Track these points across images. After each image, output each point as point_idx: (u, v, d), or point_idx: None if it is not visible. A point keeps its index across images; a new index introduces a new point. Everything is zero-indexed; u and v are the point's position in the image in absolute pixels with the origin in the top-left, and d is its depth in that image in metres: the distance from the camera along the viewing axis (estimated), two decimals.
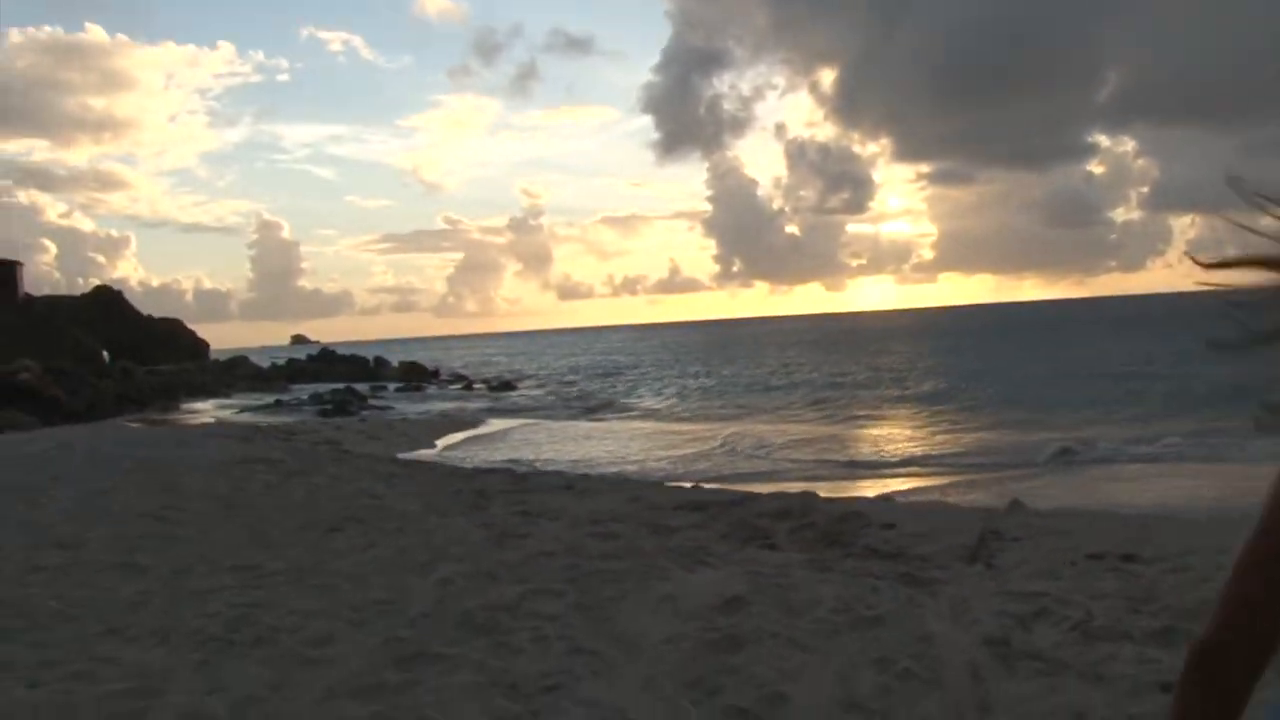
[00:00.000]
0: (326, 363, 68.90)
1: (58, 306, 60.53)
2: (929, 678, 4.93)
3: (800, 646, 5.44)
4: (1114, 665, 4.97)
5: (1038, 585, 6.62)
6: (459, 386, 55.13)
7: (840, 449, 22.34)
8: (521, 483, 12.95)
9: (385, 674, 5.19)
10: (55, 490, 11.69)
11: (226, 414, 37.63)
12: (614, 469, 18.60)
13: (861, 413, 31.20)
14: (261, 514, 10.13)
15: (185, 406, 42.44)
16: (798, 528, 9.84)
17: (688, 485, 14.18)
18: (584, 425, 31.74)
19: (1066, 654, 5.20)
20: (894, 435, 25.53)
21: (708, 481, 15.80)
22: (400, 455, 19.10)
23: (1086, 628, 5.54)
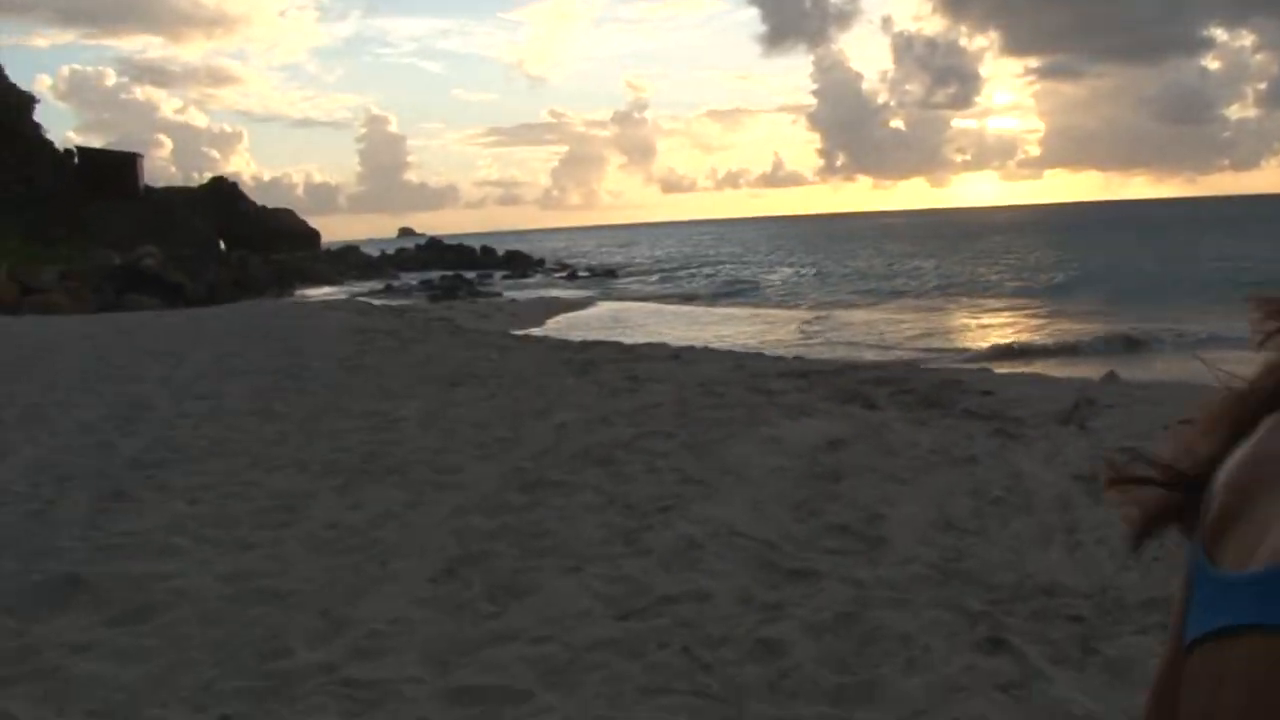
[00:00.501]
0: (434, 252, 69.80)
1: (176, 197, 61.97)
2: (1019, 504, 5.22)
3: (898, 479, 5.76)
4: None
5: (1129, 444, 6.82)
6: (563, 274, 55.53)
7: (943, 334, 22.38)
8: (629, 353, 13.30)
9: (509, 496, 5.62)
10: (192, 355, 12.37)
11: (340, 297, 38.54)
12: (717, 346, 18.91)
13: (965, 301, 30.94)
14: (384, 371, 10.68)
15: (299, 293, 43.44)
16: (897, 392, 10.07)
17: (789, 357, 14.44)
18: (687, 309, 31.99)
19: None
20: (996, 323, 25.43)
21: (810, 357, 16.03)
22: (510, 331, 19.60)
23: None
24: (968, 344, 20.86)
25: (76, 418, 8.29)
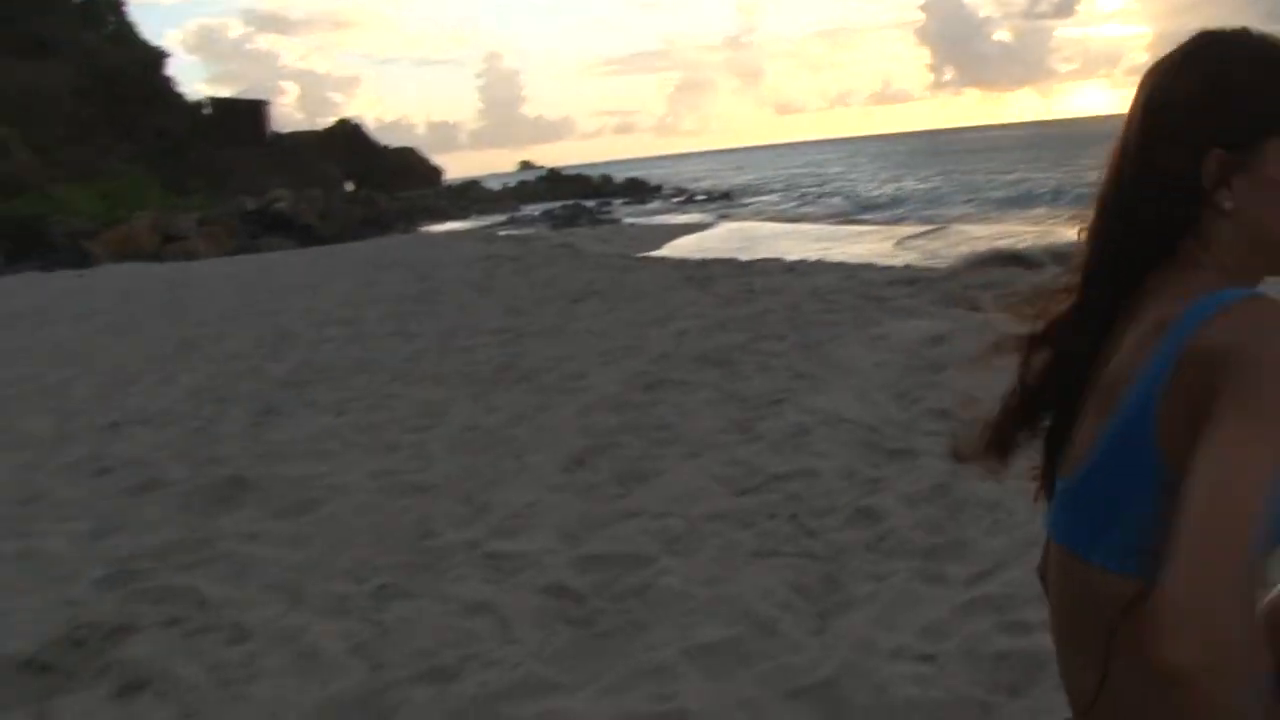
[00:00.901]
0: (553, 183, 70.47)
1: (302, 141, 63.39)
2: None
3: (999, 369, 5.95)
4: None
5: None
6: (681, 199, 55.62)
7: (1058, 242, 22.01)
8: (746, 268, 13.55)
9: (632, 396, 5.97)
10: (329, 286, 12.97)
11: (465, 230, 39.22)
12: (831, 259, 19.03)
13: (1080, 211, 30.08)
14: (510, 292, 11.14)
15: (425, 228, 44.31)
16: (1003, 294, 10.19)
17: (900, 266, 14.53)
18: (803, 227, 31.93)
19: None
20: None
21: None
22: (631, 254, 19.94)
23: None
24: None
25: (226, 348, 8.86)
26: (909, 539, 3.62)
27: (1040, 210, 30.42)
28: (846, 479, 4.27)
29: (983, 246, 21.56)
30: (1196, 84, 1.46)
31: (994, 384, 4.52)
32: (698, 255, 17.85)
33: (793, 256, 17.77)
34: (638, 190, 64.97)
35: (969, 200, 35.79)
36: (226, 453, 5.33)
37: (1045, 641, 1.66)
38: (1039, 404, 1.59)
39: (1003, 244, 21.61)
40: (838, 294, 9.86)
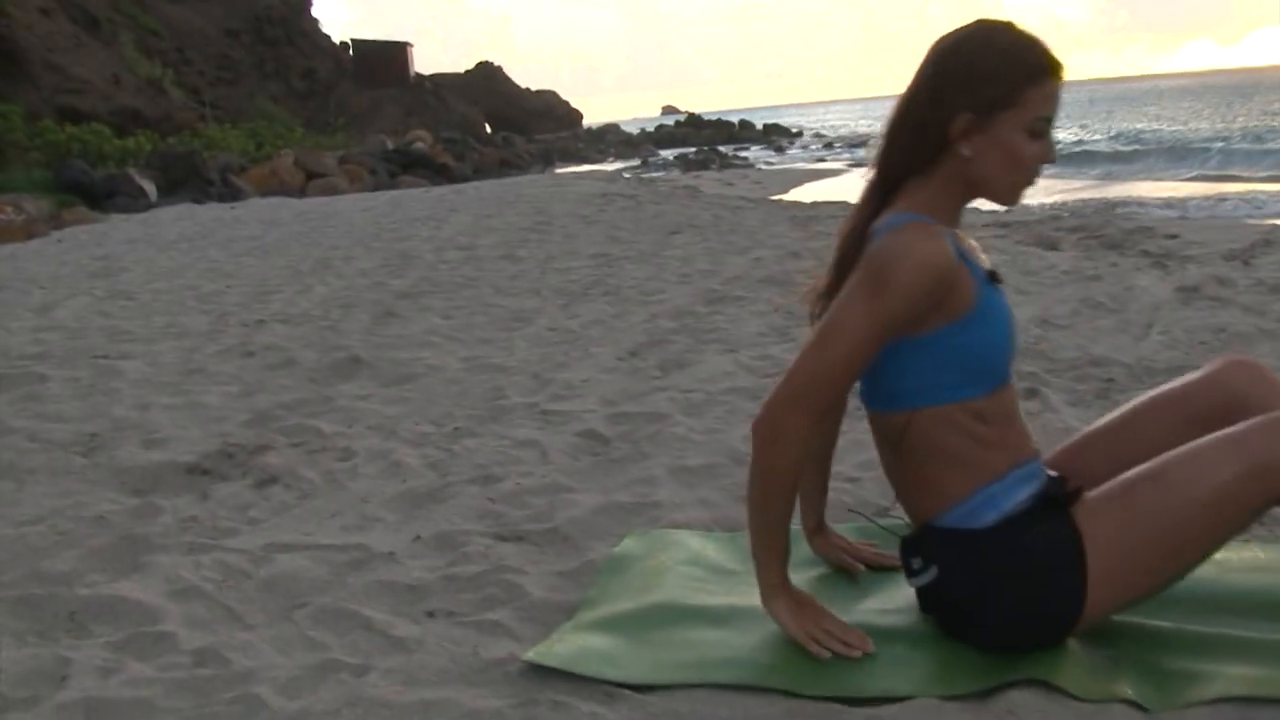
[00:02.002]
0: (693, 128, 71.25)
1: (443, 83, 65.11)
2: (1115, 308, 6.16)
3: (1022, 291, 6.74)
4: None
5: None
6: (819, 145, 56.03)
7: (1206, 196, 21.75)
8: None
9: (696, 308, 6.91)
10: (453, 219, 14.12)
11: (597, 171, 40.29)
12: None
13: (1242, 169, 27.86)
14: (616, 225, 12.14)
15: (559, 170, 45.59)
16: (1086, 238, 10.81)
17: (1003, 210, 15.03)
18: None
19: (1246, 298, 6.21)
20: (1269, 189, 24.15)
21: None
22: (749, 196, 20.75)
23: None
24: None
25: (356, 266, 10.02)
26: None
27: (1213, 166, 28.60)
28: None
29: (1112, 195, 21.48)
30: (961, 63, 2.30)
31: (1018, 305, 5.31)
32: (812, 199, 18.50)
33: None
34: (777, 135, 65.47)
35: (1131, 150, 34.26)
36: (349, 343, 6.38)
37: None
38: (840, 275, 2.47)
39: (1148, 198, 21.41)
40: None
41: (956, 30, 2.30)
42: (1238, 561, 2.66)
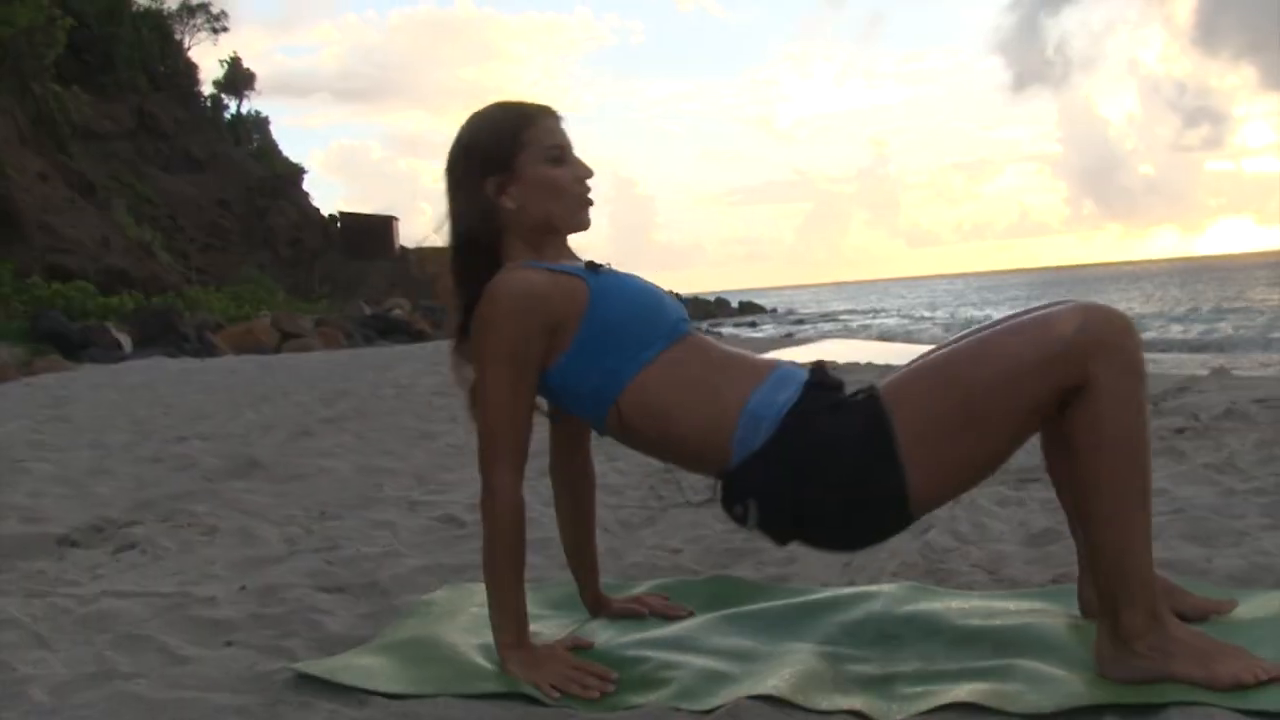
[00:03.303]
0: None
1: (426, 255, 66.05)
2: None
3: None
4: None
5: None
6: (792, 320, 56.93)
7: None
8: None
9: None
10: (403, 364, 14.42)
11: None
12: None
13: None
14: None
15: None
16: None
17: None
18: (894, 345, 32.58)
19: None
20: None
21: None
22: None
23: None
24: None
25: (294, 399, 10.30)
26: None
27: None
28: None
29: None
30: (463, 149, 2.58)
31: None
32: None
33: (832, 356, 18.63)
34: (751, 311, 66.51)
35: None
36: (255, 453, 6.56)
37: None
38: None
39: None
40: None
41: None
42: (983, 609, 2.79)
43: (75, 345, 22.46)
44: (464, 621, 2.91)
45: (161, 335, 25.62)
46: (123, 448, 7.12)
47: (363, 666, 2.58)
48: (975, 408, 2.19)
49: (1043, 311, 2.24)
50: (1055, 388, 2.17)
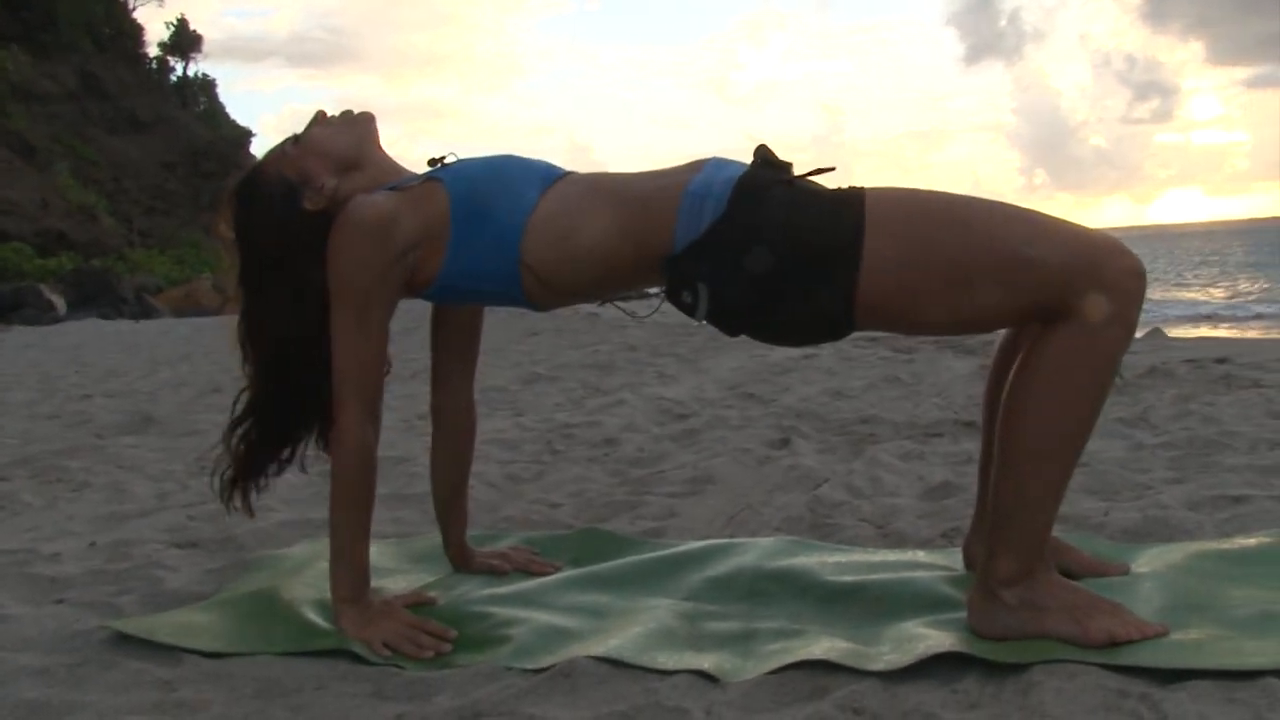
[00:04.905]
0: None
1: None
2: (909, 383, 6.23)
3: (831, 372, 6.82)
4: None
5: None
6: None
7: None
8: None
9: (511, 386, 6.92)
10: None
11: None
12: None
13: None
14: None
15: None
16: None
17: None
18: None
19: None
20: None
21: None
22: None
23: None
24: None
25: (214, 358, 10.01)
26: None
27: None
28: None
29: None
30: (238, 212, 2.46)
31: (791, 387, 5.38)
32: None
33: None
34: None
35: None
36: (154, 409, 6.34)
37: None
38: None
39: None
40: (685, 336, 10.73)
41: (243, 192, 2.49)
42: (861, 564, 2.64)
43: (6, 307, 22.02)
44: (309, 576, 2.74)
45: (99, 297, 25.18)
46: (23, 405, 6.87)
47: (184, 624, 2.40)
48: (956, 256, 2.00)
49: (1083, 228, 2.05)
50: (1044, 297, 1.98)
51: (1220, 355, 6.61)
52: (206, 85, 66.14)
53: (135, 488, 4.11)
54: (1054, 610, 2.04)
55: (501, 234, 2.24)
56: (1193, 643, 1.98)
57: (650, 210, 2.15)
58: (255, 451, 2.56)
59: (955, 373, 6.51)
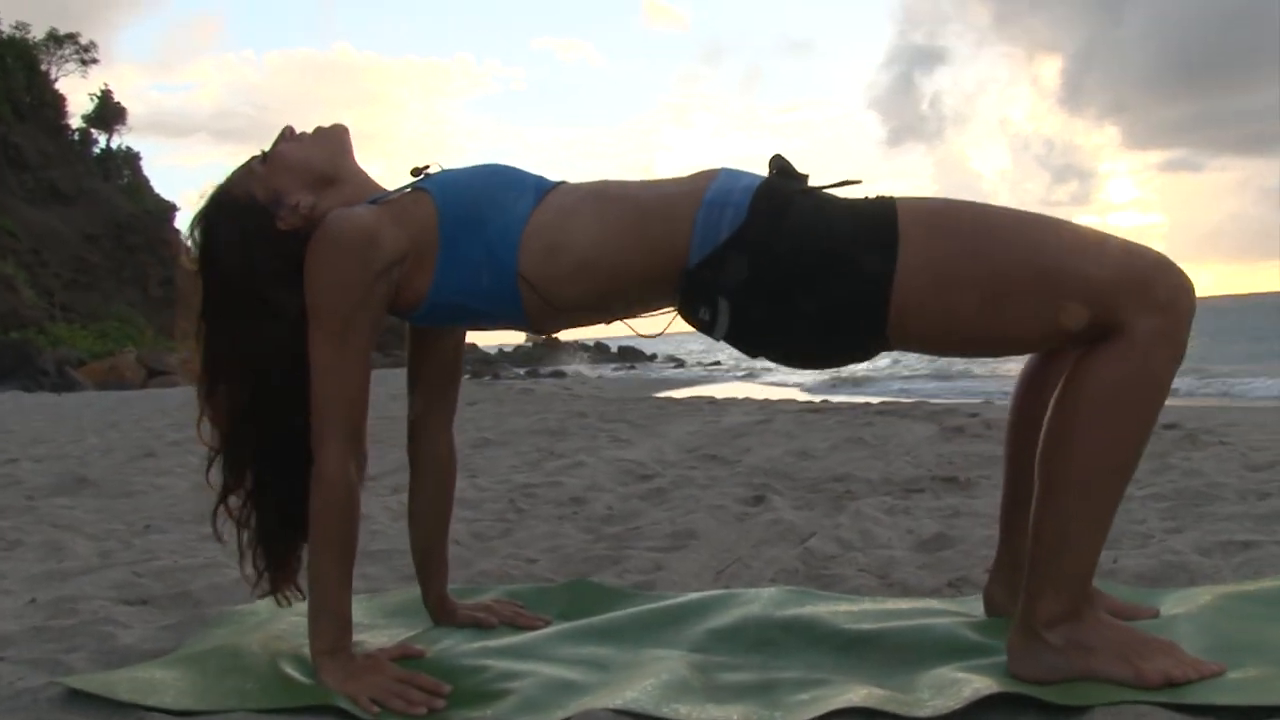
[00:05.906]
0: (549, 349, 71.93)
1: None
2: (875, 444, 6.14)
3: (791, 435, 6.71)
4: None
5: None
6: (673, 366, 56.70)
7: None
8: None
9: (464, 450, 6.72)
10: None
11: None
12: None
13: None
14: None
15: None
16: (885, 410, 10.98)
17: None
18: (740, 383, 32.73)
19: None
20: None
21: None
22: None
23: None
24: None
25: (145, 425, 9.76)
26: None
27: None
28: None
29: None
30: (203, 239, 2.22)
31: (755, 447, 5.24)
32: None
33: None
34: (630, 357, 66.24)
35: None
36: (87, 472, 6.04)
37: None
38: None
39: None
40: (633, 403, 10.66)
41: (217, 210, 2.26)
42: (875, 612, 2.49)
43: None
44: (280, 629, 2.52)
45: (18, 369, 24.55)
46: None
47: (147, 680, 2.17)
48: (998, 268, 1.85)
49: (1131, 242, 1.90)
50: (1094, 312, 1.83)
51: (1168, 421, 6.58)
52: (130, 158, 65.55)
53: (75, 546, 3.84)
54: (1102, 650, 1.89)
55: (495, 246, 2.06)
56: (1254, 680, 1.84)
57: (663, 219, 1.99)
58: (267, 519, 2.36)
59: (918, 435, 6.42)
